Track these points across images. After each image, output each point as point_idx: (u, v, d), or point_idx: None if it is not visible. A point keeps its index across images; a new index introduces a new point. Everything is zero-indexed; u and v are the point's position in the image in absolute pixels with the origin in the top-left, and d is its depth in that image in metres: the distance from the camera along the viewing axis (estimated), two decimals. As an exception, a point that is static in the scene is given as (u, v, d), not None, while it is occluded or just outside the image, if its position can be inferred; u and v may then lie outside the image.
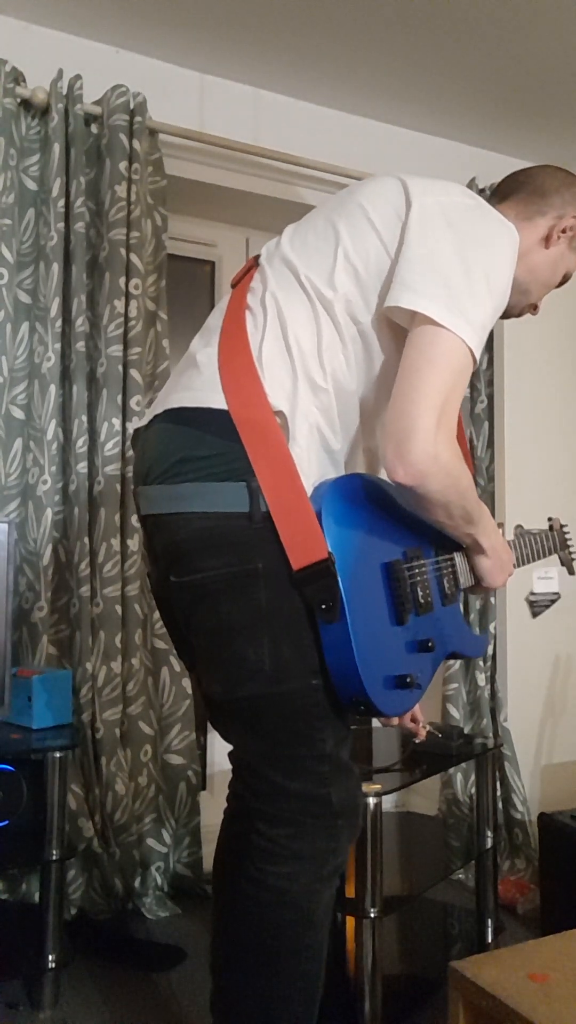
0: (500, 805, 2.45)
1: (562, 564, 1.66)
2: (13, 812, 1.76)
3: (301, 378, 1.11)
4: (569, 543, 1.66)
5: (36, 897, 1.96)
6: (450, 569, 1.25)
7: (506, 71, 2.42)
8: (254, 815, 1.11)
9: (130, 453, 2.16)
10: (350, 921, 1.92)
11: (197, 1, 2.13)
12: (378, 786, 1.61)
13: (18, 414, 2.13)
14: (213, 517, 1.06)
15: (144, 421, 1.22)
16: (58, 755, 1.72)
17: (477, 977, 1.08)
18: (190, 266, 2.71)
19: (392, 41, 2.28)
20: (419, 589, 1.16)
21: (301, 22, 2.21)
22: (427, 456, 1.03)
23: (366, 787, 1.59)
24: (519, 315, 1.44)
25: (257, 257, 1.26)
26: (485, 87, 2.50)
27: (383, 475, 1.14)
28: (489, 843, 2.01)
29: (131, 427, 2.17)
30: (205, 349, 1.16)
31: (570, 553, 1.66)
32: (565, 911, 1.91)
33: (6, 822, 1.75)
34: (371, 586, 1.09)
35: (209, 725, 2.55)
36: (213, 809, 2.55)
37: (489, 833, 2.01)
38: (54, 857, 1.70)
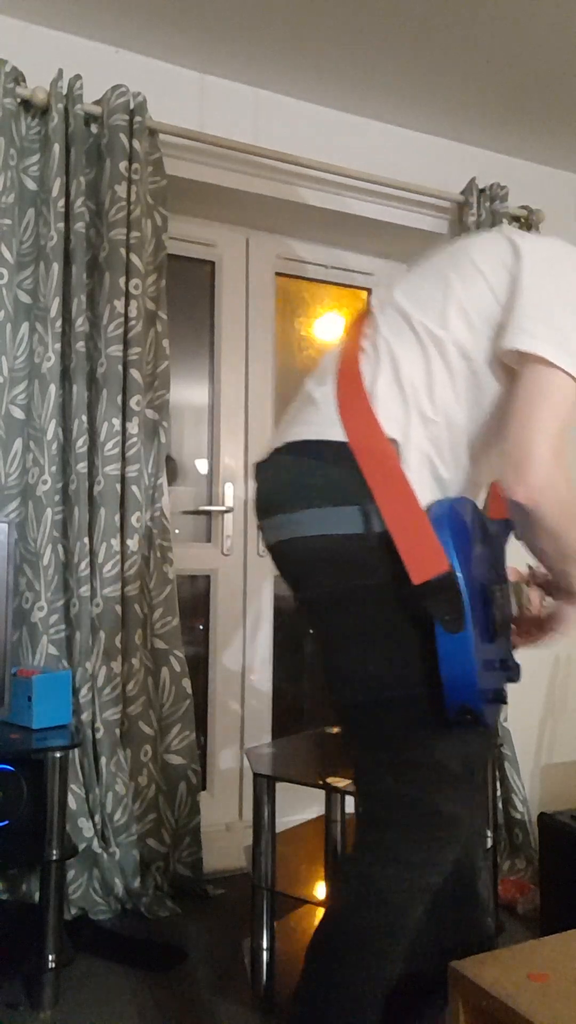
0: (500, 805, 2.45)
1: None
2: (13, 812, 1.76)
3: (413, 411, 1.20)
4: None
5: (36, 897, 1.96)
6: (508, 598, 1.34)
7: (506, 71, 2.42)
8: (366, 816, 1.20)
9: (130, 452, 2.16)
10: (350, 921, 1.92)
11: (197, 1, 2.13)
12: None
13: (18, 414, 2.13)
14: (330, 539, 1.16)
15: (264, 456, 1.32)
16: (58, 755, 1.72)
17: (477, 977, 1.08)
18: (190, 266, 2.71)
19: (392, 41, 2.28)
20: (502, 612, 1.25)
21: (301, 22, 2.21)
22: (544, 480, 1.12)
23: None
24: None
25: (369, 306, 1.35)
26: (485, 87, 2.50)
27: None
28: (489, 843, 2.00)
29: (131, 427, 2.17)
30: (320, 388, 1.26)
31: None
32: (565, 911, 1.91)
33: (6, 822, 1.75)
34: (474, 603, 1.14)
35: (210, 725, 2.55)
36: (213, 809, 2.55)
37: (489, 833, 2.01)
38: (54, 857, 1.70)
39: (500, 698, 1.18)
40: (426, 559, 1.09)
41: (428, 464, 1.20)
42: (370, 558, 1.14)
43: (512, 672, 1.27)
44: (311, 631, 1.29)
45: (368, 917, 1.14)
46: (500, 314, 1.22)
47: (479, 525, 1.21)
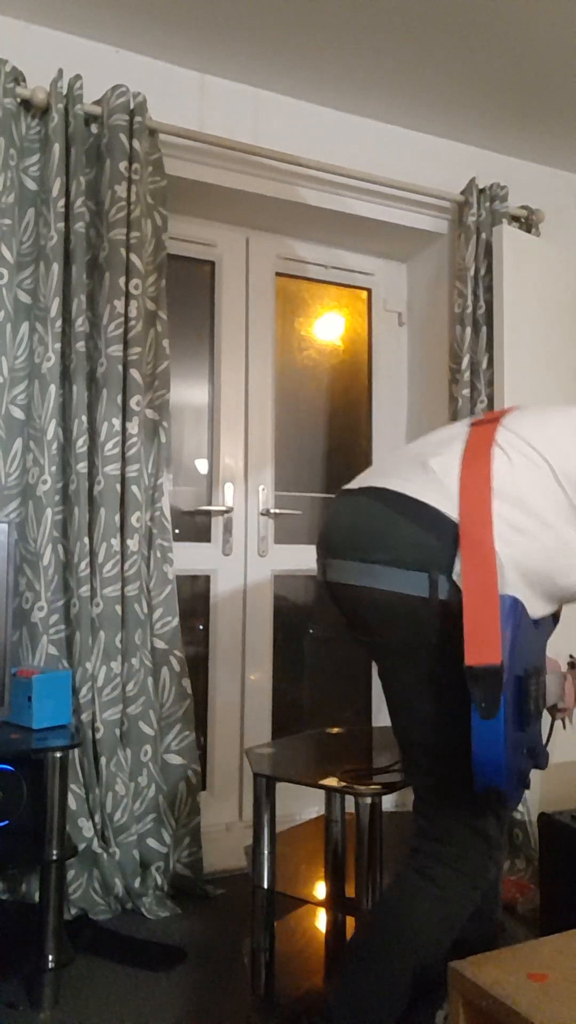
0: (500, 805, 2.45)
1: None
2: (13, 812, 1.76)
3: (527, 522, 1.26)
4: None
5: (36, 897, 1.96)
6: (544, 687, 1.40)
7: (506, 71, 2.42)
8: (428, 836, 1.33)
9: (130, 452, 2.16)
10: (350, 921, 1.92)
11: (197, 1, 2.13)
12: (378, 786, 1.61)
13: (18, 414, 2.13)
14: (397, 596, 1.27)
15: (353, 488, 1.39)
16: (58, 755, 1.72)
17: (477, 977, 1.08)
18: (190, 266, 2.71)
19: (392, 41, 2.28)
20: (536, 703, 1.33)
21: (301, 22, 2.21)
22: None
23: (366, 787, 1.60)
24: None
25: (500, 421, 1.39)
26: (485, 87, 2.50)
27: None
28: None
29: (131, 427, 2.17)
30: (437, 459, 1.32)
31: None
32: (565, 911, 1.91)
33: (6, 822, 1.75)
34: (512, 693, 1.24)
35: (214, 725, 2.55)
36: (213, 809, 2.55)
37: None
38: (54, 857, 1.69)
39: (524, 783, 1.26)
40: (483, 647, 1.19)
41: (513, 571, 1.27)
42: (429, 620, 1.26)
43: (540, 758, 1.34)
44: (376, 669, 1.42)
45: (428, 907, 1.28)
46: None
47: (525, 624, 1.29)
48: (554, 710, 1.50)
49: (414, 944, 1.27)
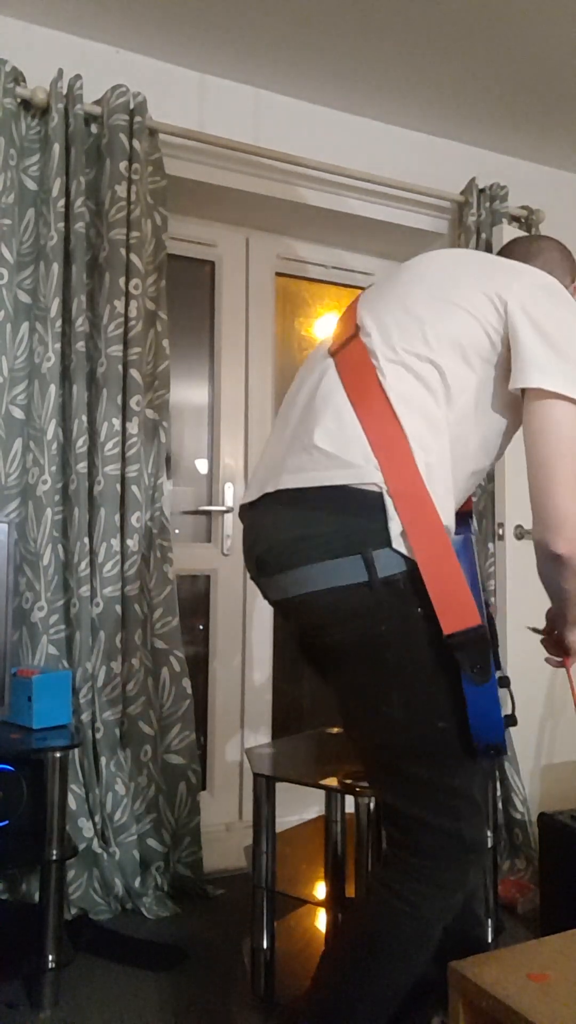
0: (500, 805, 2.45)
1: None
2: (13, 812, 1.76)
3: (438, 447, 1.19)
4: None
5: (36, 897, 1.96)
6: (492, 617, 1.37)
7: (506, 71, 2.42)
8: (399, 845, 1.22)
9: (130, 452, 2.16)
10: (350, 921, 1.92)
11: (197, 1, 2.13)
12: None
13: (18, 414, 2.13)
14: (336, 591, 1.16)
15: (253, 499, 1.30)
16: (58, 755, 1.72)
17: (477, 977, 1.08)
18: (190, 266, 2.71)
19: (392, 41, 2.28)
20: (495, 637, 1.26)
21: (301, 22, 2.21)
22: None
23: (366, 787, 1.59)
24: None
25: (357, 330, 1.30)
26: (485, 87, 2.50)
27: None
28: (489, 843, 2.00)
29: (131, 427, 2.17)
30: (320, 430, 1.22)
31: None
32: (565, 911, 1.91)
33: (6, 822, 1.75)
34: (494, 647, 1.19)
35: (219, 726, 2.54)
36: (213, 809, 2.55)
37: (489, 833, 2.01)
38: (54, 857, 1.70)
39: (512, 722, 1.21)
40: (459, 612, 1.11)
41: (449, 496, 1.20)
42: (378, 606, 1.15)
43: (506, 681, 1.29)
44: (326, 678, 1.32)
45: (402, 929, 1.18)
46: (491, 348, 1.23)
47: (472, 560, 1.21)
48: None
49: (387, 966, 1.18)
